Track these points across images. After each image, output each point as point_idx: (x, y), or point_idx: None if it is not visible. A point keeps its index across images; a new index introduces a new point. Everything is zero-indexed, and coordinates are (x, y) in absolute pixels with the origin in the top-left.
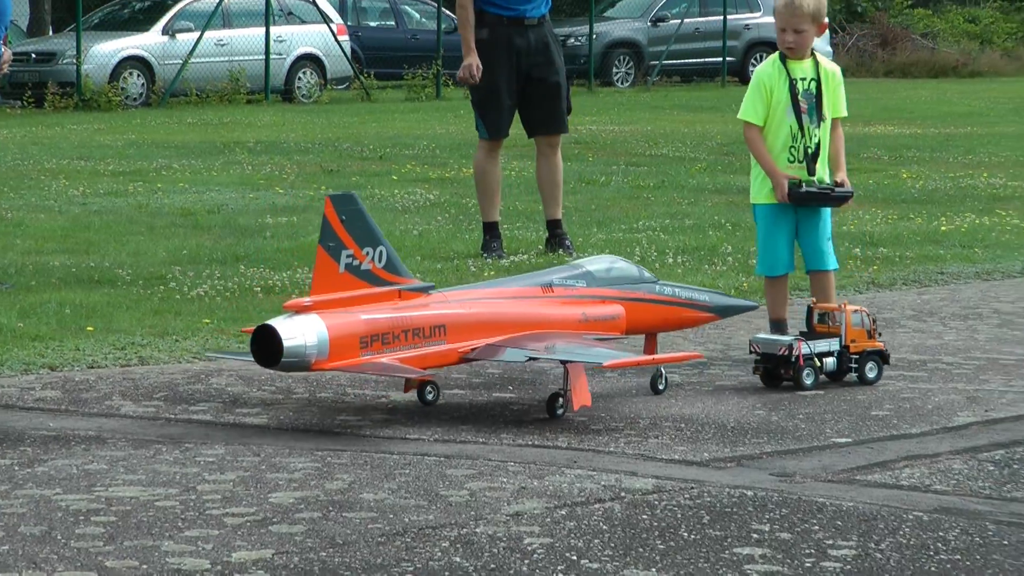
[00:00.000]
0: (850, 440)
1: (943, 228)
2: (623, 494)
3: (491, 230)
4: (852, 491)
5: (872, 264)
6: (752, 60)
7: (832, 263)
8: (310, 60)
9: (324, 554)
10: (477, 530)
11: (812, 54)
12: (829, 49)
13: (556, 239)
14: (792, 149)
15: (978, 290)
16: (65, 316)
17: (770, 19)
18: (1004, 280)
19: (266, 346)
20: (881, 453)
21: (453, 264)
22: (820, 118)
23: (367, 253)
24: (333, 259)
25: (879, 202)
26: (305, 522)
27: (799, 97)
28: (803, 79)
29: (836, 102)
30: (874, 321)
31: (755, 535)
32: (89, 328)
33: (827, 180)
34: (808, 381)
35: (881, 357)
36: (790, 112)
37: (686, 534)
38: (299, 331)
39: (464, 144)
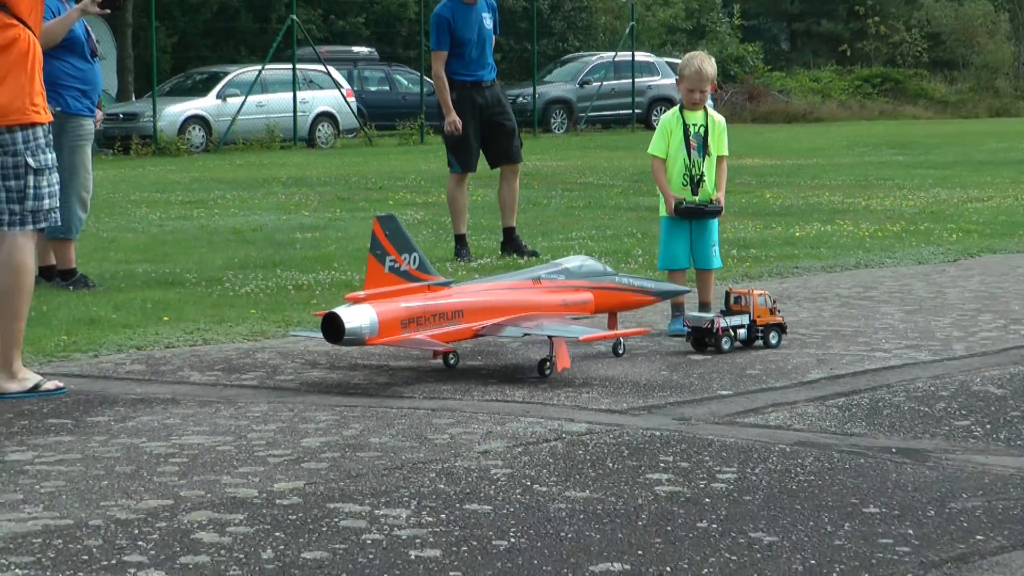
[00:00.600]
0: (731, 392)
1: (797, 234)
2: (564, 435)
3: (461, 241)
4: (733, 430)
5: (745, 262)
6: (654, 111)
7: (714, 263)
8: (327, 116)
9: (343, 484)
10: (456, 464)
11: (704, 108)
12: (711, 102)
13: (512, 242)
14: (685, 176)
15: (824, 280)
16: (148, 309)
17: (668, 80)
18: (843, 272)
19: (333, 327)
20: (754, 402)
21: (436, 266)
22: (706, 153)
23: (405, 258)
24: (379, 263)
25: (750, 215)
26: (328, 460)
27: (691, 137)
28: (695, 124)
29: (719, 143)
30: (774, 302)
31: (662, 464)
32: (165, 318)
33: (711, 198)
34: (726, 347)
35: (780, 328)
36: (683, 148)
37: (611, 464)
38: (356, 316)
39: (441, 177)
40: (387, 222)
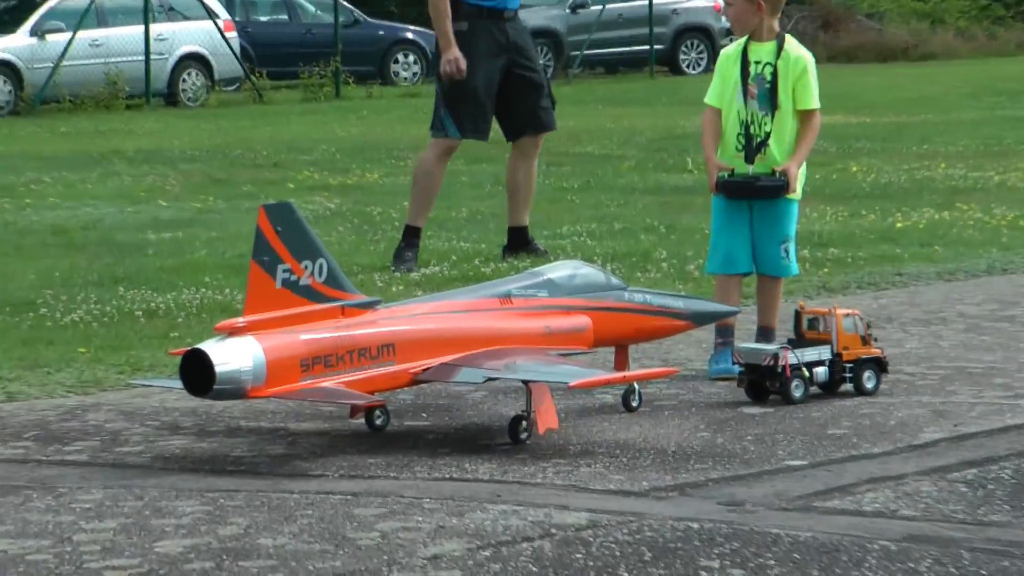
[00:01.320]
0: (805, 462)
1: (899, 225)
2: (553, 531)
3: (413, 236)
4: (810, 520)
5: (822, 266)
6: (683, 47)
7: (786, 269)
8: (195, 60)
9: None
10: None
11: (780, 37)
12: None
13: (524, 245)
14: (739, 136)
15: (940, 292)
16: None
17: (701, 2)
18: (968, 280)
19: (197, 372)
20: (840, 476)
21: (358, 279)
22: (774, 107)
23: (306, 267)
24: (268, 274)
25: (827, 198)
26: (196, 573)
27: (749, 81)
28: (758, 62)
29: (801, 91)
30: (868, 326)
31: (703, 573)
32: None
33: (773, 170)
34: (797, 394)
35: (878, 364)
36: (739, 96)
37: (626, 574)
38: (232, 355)
39: (368, 147)
40: (279, 213)
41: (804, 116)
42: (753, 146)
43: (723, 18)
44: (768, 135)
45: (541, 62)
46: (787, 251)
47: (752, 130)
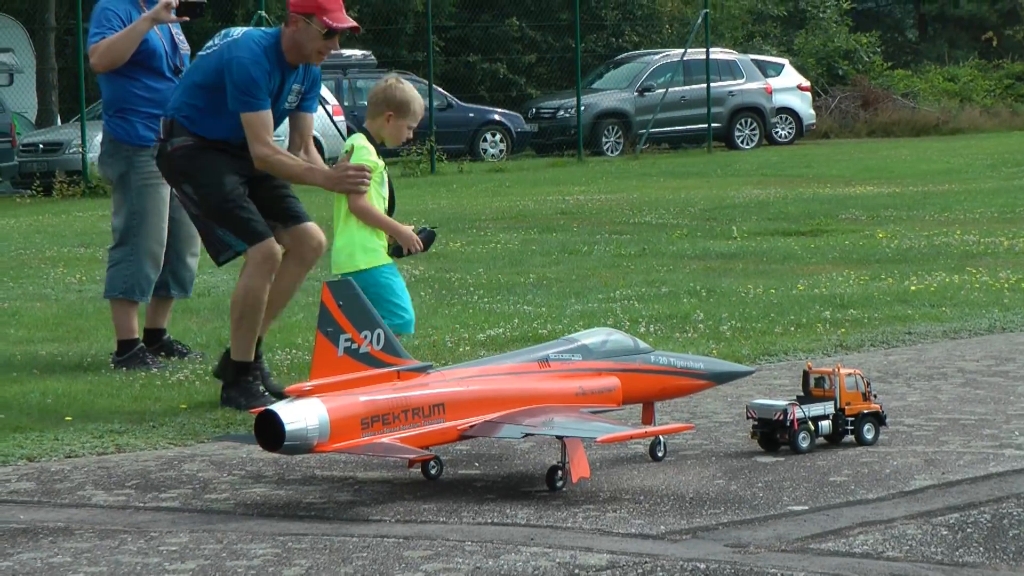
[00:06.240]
0: (806, 507)
1: (912, 288)
2: (577, 571)
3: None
4: (805, 560)
5: (841, 327)
6: (737, 125)
7: None
8: None
9: None
10: None
11: None
12: (812, 112)
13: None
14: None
15: (944, 349)
16: (46, 406)
17: (754, 84)
18: (971, 338)
19: (269, 430)
20: (836, 520)
21: (431, 339)
22: None
23: (365, 336)
24: (332, 343)
25: (853, 263)
26: None
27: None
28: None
29: None
30: (868, 384)
31: None
32: (68, 417)
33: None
34: (803, 444)
35: (877, 418)
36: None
37: None
38: (300, 415)
39: (454, 218)
40: (341, 290)
41: None
42: None
43: (773, 98)
44: None
45: (611, 140)
46: None
47: None
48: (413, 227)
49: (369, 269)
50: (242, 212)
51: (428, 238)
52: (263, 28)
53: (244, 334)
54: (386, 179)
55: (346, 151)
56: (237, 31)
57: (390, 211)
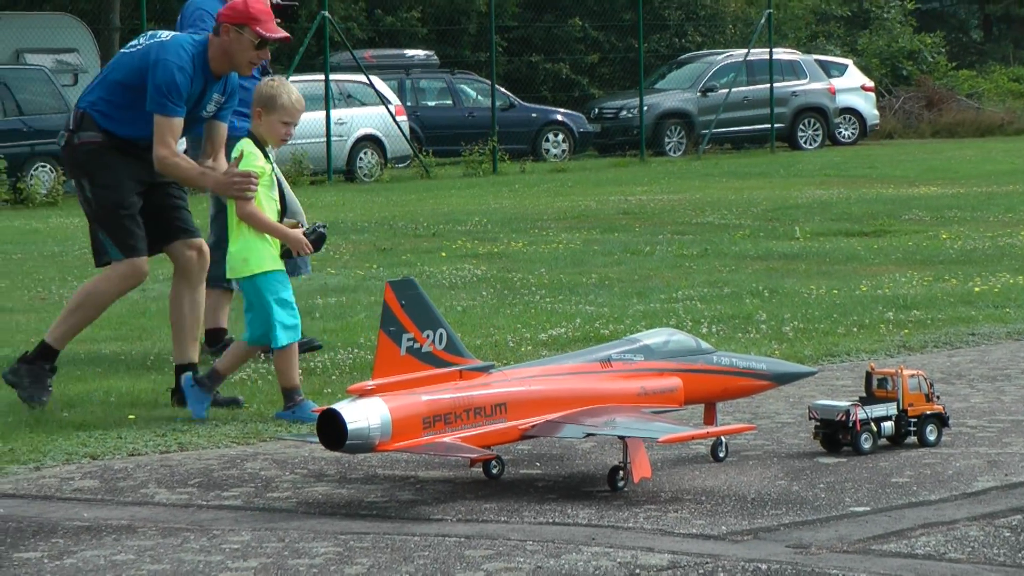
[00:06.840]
0: (868, 508)
1: (976, 289)
2: (638, 571)
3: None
4: (867, 561)
5: (904, 327)
6: (800, 125)
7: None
8: (370, 141)
9: None
10: None
11: None
12: (875, 112)
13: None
14: None
15: (1008, 351)
16: (110, 405)
17: (818, 85)
18: None
19: (331, 429)
20: (899, 521)
21: (492, 339)
22: None
23: (427, 336)
24: (394, 343)
25: (916, 264)
26: None
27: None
28: None
29: None
30: (931, 385)
31: None
32: (131, 416)
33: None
34: (866, 446)
35: (940, 420)
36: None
37: None
38: (362, 414)
39: (516, 218)
40: (403, 289)
41: None
42: None
43: (837, 98)
44: None
45: (674, 140)
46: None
47: None
48: (303, 228)
49: (261, 274)
50: (127, 223)
51: (318, 239)
52: (191, 35)
53: (71, 325)
54: (276, 182)
55: (235, 157)
56: (165, 34)
57: (282, 214)
